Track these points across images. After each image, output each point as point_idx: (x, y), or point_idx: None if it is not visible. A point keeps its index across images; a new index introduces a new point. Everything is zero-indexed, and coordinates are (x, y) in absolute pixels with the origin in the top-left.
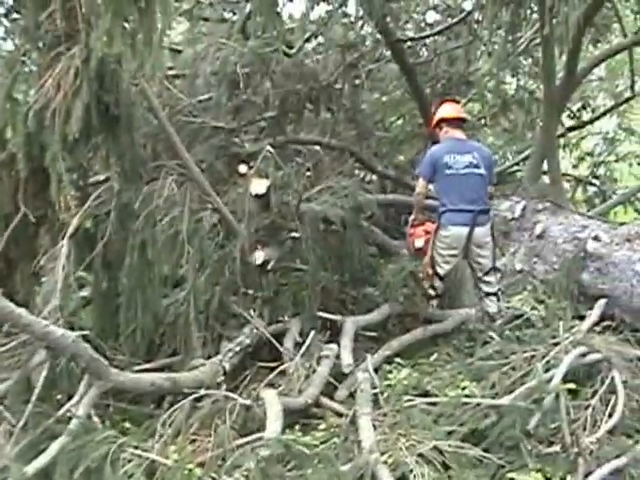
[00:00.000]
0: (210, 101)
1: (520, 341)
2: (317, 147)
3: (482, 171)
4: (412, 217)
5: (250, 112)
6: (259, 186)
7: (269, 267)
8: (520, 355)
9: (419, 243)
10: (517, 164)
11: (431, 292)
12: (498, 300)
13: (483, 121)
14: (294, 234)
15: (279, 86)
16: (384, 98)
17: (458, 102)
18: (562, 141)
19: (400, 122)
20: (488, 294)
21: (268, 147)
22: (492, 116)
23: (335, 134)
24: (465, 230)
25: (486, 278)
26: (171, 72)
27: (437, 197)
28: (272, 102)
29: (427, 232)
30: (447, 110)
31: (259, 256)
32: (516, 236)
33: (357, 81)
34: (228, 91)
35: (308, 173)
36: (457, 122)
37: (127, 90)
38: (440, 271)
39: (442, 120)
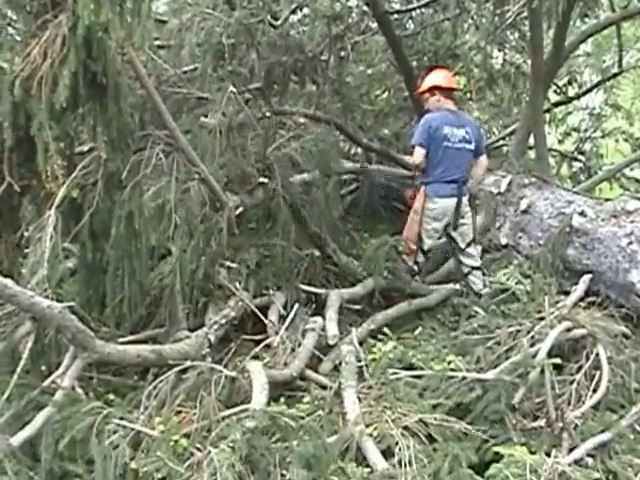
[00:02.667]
0: (195, 71)
1: (505, 315)
2: (302, 119)
3: (472, 147)
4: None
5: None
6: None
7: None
8: (505, 330)
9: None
10: (503, 139)
11: (414, 268)
12: (483, 274)
13: (469, 95)
14: (262, 179)
15: (264, 57)
16: (370, 71)
17: (450, 71)
18: (548, 116)
19: (385, 95)
20: (473, 268)
21: (231, 88)
22: (478, 90)
23: (320, 106)
24: (452, 201)
25: (469, 250)
26: (156, 42)
27: (425, 171)
28: (257, 73)
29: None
30: (441, 78)
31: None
32: (501, 211)
33: (343, 53)
34: (213, 62)
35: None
36: (450, 92)
37: (114, 59)
38: (424, 246)
39: (436, 87)
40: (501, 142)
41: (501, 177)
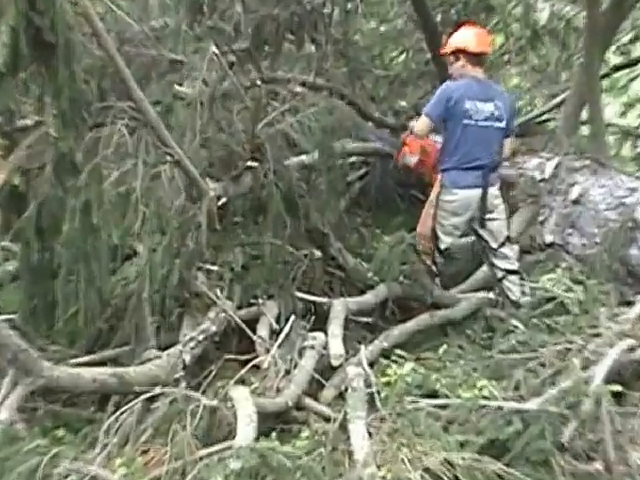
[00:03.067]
0: (167, 28)
1: (551, 331)
2: (299, 88)
3: (503, 124)
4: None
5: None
6: None
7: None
8: (551, 348)
9: (411, 159)
10: (549, 112)
11: (433, 269)
12: (522, 280)
13: (507, 57)
14: (251, 163)
15: (253, 10)
16: (383, 27)
17: (483, 28)
18: (606, 83)
19: (402, 58)
20: (508, 272)
21: (213, 48)
22: (518, 51)
23: (322, 72)
24: (476, 193)
25: (503, 251)
26: None
27: (440, 153)
28: (244, 31)
29: (424, 151)
30: (470, 39)
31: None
32: (546, 201)
33: (350, 5)
34: (189, 16)
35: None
36: (480, 57)
37: (64, 10)
38: (441, 245)
39: (461, 51)
40: (546, 116)
41: (546, 160)
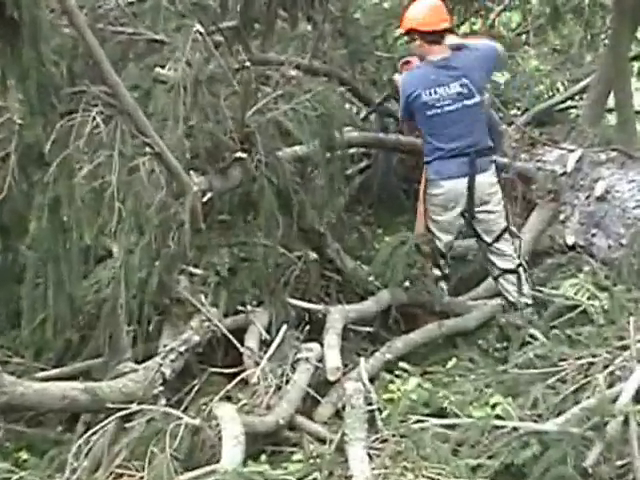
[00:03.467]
0: (145, 3)
1: (573, 342)
2: (293, 72)
3: (477, 98)
4: None
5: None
6: None
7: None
8: (573, 362)
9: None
10: (571, 98)
11: (436, 272)
12: (519, 280)
13: (524, 37)
14: (240, 154)
15: None
16: (387, 3)
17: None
18: (637, 66)
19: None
20: (505, 271)
21: (198, 26)
22: (537, 31)
23: (319, 54)
24: (462, 182)
25: (498, 246)
26: None
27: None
28: (231, 7)
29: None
30: (423, 16)
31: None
32: (568, 198)
33: None
34: None
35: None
36: (439, 34)
37: None
38: (440, 244)
39: (412, 30)
40: (568, 103)
41: (568, 152)
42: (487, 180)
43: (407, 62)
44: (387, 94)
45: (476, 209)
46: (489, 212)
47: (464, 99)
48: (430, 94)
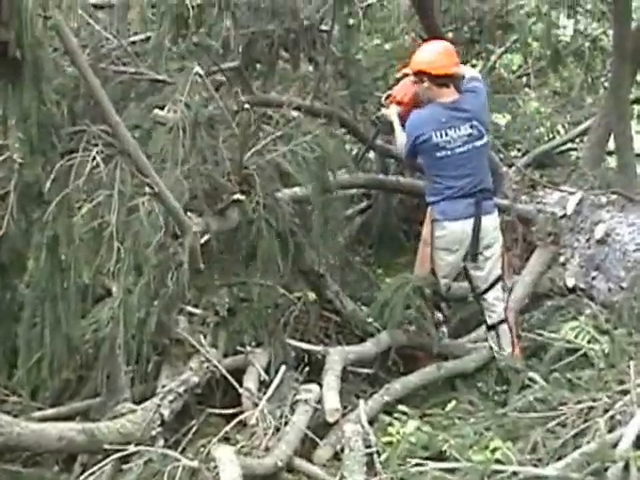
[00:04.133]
0: (148, 43)
1: (573, 386)
2: (294, 112)
3: (486, 139)
4: None
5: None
6: None
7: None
8: (573, 406)
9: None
10: (572, 141)
11: (438, 315)
12: (498, 338)
13: (525, 80)
14: (239, 195)
15: (243, 26)
16: (388, 45)
17: (451, 42)
18: (637, 109)
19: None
20: (489, 327)
21: (197, 68)
22: (538, 73)
23: (320, 95)
24: (468, 224)
25: (488, 297)
26: (93, 0)
27: (424, 177)
28: (234, 48)
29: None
30: (435, 59)
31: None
32: (568, 240)
33: (351, 21)
34: (173, 31)
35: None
36: (447, 78)
37: (33, 23)
38: (443, 288)
39: (422, 73)
40: (569, 145)
41: (568, 194)
42: (492, 223)
43: (390, 95)
44: (377, 130)
45: (478, 253)
46: (489, 258)
47: (474, 140)
48: (441, 136)
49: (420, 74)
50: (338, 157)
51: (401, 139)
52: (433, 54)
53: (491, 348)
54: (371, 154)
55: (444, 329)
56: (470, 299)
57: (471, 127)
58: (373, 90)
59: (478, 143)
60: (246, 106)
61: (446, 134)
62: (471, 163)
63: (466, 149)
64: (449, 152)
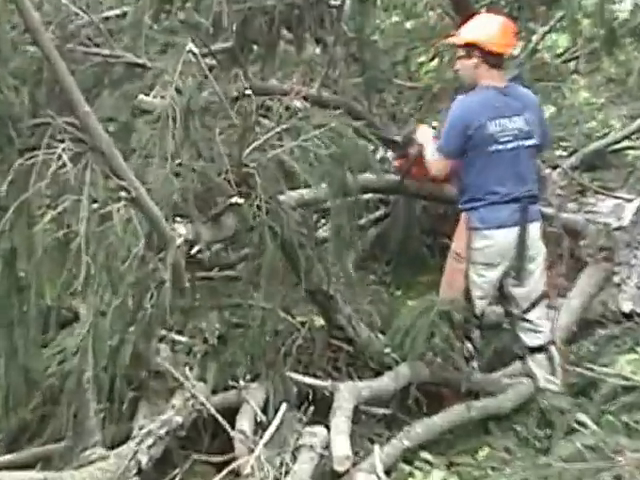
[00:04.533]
0: (125, 20)
1: (630, 431)
2: (298, 102)
3: (535, 140)
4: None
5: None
6: None
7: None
8: (630, 455)
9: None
10: (628, 137)
11: (468, 346)
12: (551, 362)
13: (573, 65)
14: (235, 199)
15: (238, 1)
16: (409, 23)
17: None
18: None
19: (435, 63)
20: (533, 350)
21: (190, 45)
22: (589, 56)
23: (329, 82)
24: (513, 233)
25: (530, 317)
26: None
27: (460, 181)
28: (227, 27)
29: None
30: (496, 32)
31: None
32: (624, 257)
33: None
34: (154, 5)
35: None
36: (501, 58)
37: None
38: (476, 311)
39: (476, 46)
40: (625, 143)
41: (624, 201)
42: (536, 232)
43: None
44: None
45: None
46: (532, 272)
47: (524, 138)
48: (496, 125)
49: (471, 47)
50: (358, 154)
51: (431, 150)
52: (493, 26)
53: (533, 378)
54: (388, 152)
55: (475, 362)
56: (506, 325)
57: (524, 121)
58: (392, 77)
59: (527, 142)
60: (248, 92)
61: (500, 124)
62: (520, 165)
63: (516, 145)
64: (500, 146)
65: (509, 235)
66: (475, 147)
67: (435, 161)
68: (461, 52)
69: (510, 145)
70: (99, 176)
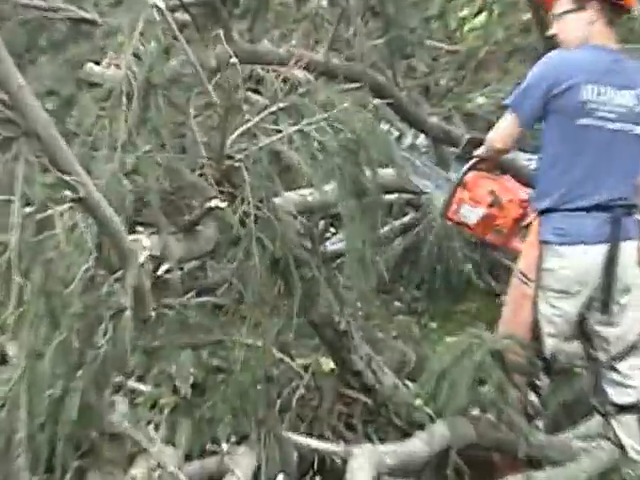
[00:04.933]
0: None
1: None
2: (300, 73)
3: None
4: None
5: None
6: None
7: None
8: None
9: (471, 214)
10: None
11: (531, 399)
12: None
13: None
14: (216, 202)
15: None
16: None
17: None
18: None
19: (481, 20)
20: (622, 408)
21: None
22: None
23: (339, 44)
24: (600, 252)
25: (620, 367)
26: None
27: (536, 172)
28: None
29: (497, 199)
30: None
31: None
32: None
33: None
34: None
35: None
36: (621, 13)
37: None
38: (545, 351)
39: None
40: None
41: None
42: (633, 254)
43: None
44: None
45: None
46: (626, 307)
47: (632, 122)
48: (594, 91)
49: None
50: (378, 142)
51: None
52: None
53: (617, 444)
54: (419, 139)
55: (540, 420)
56: (577, 370)
57: (636, 99)
58: (423, 37)
59: (636, 130)
60: (232, 59)
61: (602, 92)
62: (619, 157)
63: (619, 128)
64: (596, 122)
65: (593, 255)
66: (558, 113)
67: (500, 123)
68: (566, 4)
69: (611, 125)
70: (36, 169)
